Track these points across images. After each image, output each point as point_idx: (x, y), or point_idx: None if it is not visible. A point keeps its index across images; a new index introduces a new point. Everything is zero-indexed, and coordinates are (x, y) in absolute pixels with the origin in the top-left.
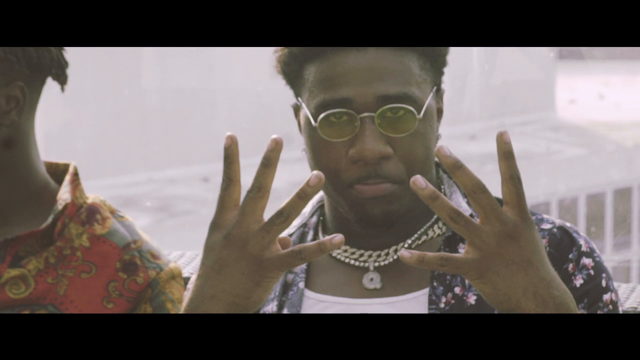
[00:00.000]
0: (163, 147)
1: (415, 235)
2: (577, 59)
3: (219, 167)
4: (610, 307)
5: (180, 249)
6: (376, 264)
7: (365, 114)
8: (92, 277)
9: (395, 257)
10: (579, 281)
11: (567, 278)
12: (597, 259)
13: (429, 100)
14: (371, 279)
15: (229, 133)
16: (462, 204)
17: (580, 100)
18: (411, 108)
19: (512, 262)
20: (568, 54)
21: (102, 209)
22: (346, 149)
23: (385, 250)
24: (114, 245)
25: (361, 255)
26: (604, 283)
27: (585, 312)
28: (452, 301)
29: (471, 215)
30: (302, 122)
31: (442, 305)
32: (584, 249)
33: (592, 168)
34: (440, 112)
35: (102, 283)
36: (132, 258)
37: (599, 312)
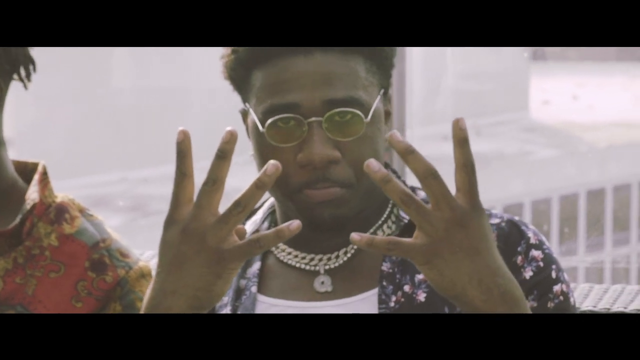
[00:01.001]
0: (136, 146)
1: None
2: (551, 60)
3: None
4: (561, 298)
5: (153, 248)
6: (326, 267)
7: (313, 119)
8: (61, 276)
9: (344, 259)
10: (528, 273)
11: (516, 271)
12: (547, 250)
13: (376, 103)
14: (322, 282)
15: (181, 128)
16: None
17: (553, 101)
18: (358, 112)
19: (459, 250)
20: (542, 54)
21: (71, 208)
22: (294, 153)
23: (335, 253)
24: (82, 244)
25: (312, 259)
26: (554, 274)
27: (535, 304)
28: (402, 299)
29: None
30: (249, 127)
31: (392, 304)
32: (532, 241)
33: (565, 169)
34: (388, 114)
35: (71, 282)
36: (101, 257)
37: (549, 303)
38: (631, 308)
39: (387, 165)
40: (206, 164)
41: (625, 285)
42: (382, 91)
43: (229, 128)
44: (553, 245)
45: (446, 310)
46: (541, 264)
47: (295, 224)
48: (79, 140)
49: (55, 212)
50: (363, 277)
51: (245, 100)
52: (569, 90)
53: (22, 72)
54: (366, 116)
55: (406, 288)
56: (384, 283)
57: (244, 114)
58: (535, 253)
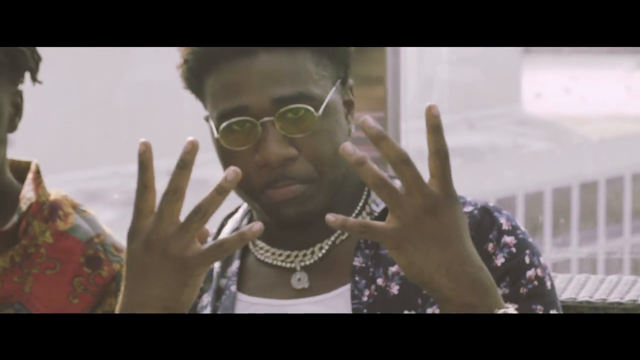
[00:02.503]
0: (129, 141)
1: (338, 231)
2: (543, 53)
3: None
4: (536, 282)
5: None
6: (302, 264)
7: (265, 119)
8: (57, 273)
9: (320, 255)
10: (500, 260)
11: (488, 258)
12: (521, 235)
13: (331, 95)
14: (299, 279)
15: (142, 140)
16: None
17: (546, 94)
18: (308, 107)
19: (429, 237)
20: (534, 48)
21: (64, 205)
22: (252, 155)
23: (311, 249)
24: (77, 241)
25: (288, 256)
26: (527, 259)
27: (507, 291)
28: (375, 293)
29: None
30: (210, 134)
31: (365, 299)
32: (505, 227)
33: (558, 162)
34: (349, 104)
35: (67, 278)
36: (96, 252)
37: (521, 289)
38: (627, 298)
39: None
40: (197, 157)
41: (621, 276)
42: (338, 82)
43: (190, 138)
44: (546, 238)
45: (419, 302)
46: (513, 249)
47: (257, 225)
48: (71, 134)
49: (49, 210)
50: (338, 273)
51: (204, 107)
52: (561, 84)
53: (32, 75)
54: (317, 110)
55: (379, 281)
56: (357, 278)
57: (207, 120)
58: (508, 239)
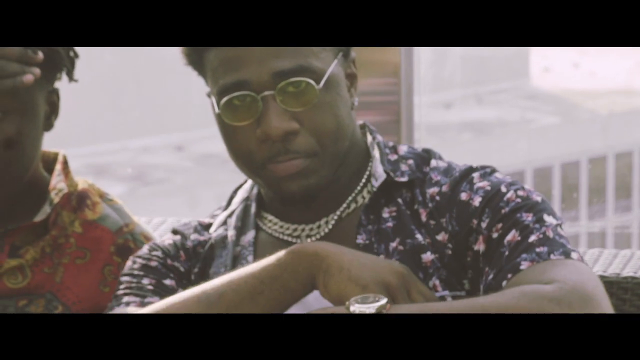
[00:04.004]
0: (137, 115)
1: (344, 205)
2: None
3: (193, 135)
4: (519, 200)
5: (154, 216)
6: (309, 239)
7: (266, 93)
8: (87, 262)
9: (326, 230)
10: (477, 200)
11: (465, 205)
12: (495, 180)
13: (332, 68)
14: None
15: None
16: (377, 169)
17: (554, 68)
18: (309, 80)
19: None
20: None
21: (92, 194)
22: (254, 130)
23: (317, 223)
24: (106, 230)
25: (294, 230)
26: (503, 188)
27: (489, 219)
28: None
29: (387, 179)
30: (212, 110)
31: None
32: (476, 180)
33: (567, 136)
34: (352, 77)
35: (98, 267)
36: (126, 242)
37: (503, 210)
38: None
39: (364, 126)
40: (204, 132)
41: (634, 251)
42: (340, 54)
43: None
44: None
45: (420, 276)
46: (488, 188)
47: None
48: (80, 109)
49: (77, 200)
50: (345, 244)
51: (206, 83)
52: (569, 58)
53: (66, 71)
54: (318, 83)
55: (381, 258)
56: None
57: (209, 96)
58: (481, 184)
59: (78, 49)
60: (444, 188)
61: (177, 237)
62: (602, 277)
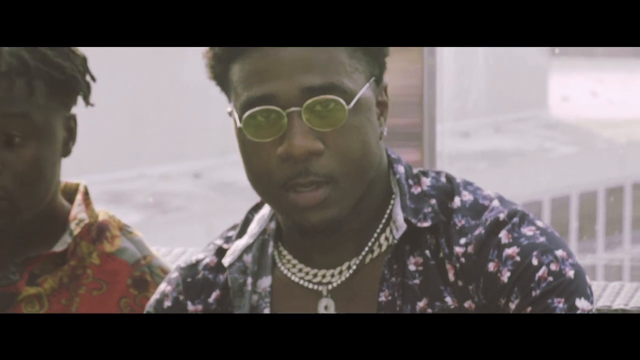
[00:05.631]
0: (155, 143)
1: (367, 248)
2: (570, 56)
3: (210, 163)
4: (550, 278)
5: (171, 245)
6: (330, 286)
7: (292, 109)
8: (103, 294)
9: (347, 275)
10: (505, 275)
11: (494, 278)
12: (524, 242)
13: (364, 91)
14: (325, 307)
15: None
16: (397, 216)
17: (573, 97)
18: (339, 99)
19: None
20: (561, 51)
21: (112, 226)
22: (276, 148)
23: (338, 269)
24: (124, 263)
25: (315, 275)
26: (535, 261)
27: (519, 301)
28: None
29: (409, 226)
30: (234, 127)
31: None
32: (504, 241)
33: (584, 166)
34: (383, 105)
35: (114, 299)
36: (143, 274)
37: (534, 292)
38: None
39: (388, 157)
40: (224, 160)
41: None
42: (372, 79)
43: None
44: (571, 242)
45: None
46: (518, 258)
47: None
48: (97, 136)
49: (97, 231)
50: (366, 300)
51: (228, 99)
52: (588, 87)
53: (86, 100)
54: (348, 103)
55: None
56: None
57: (231, 114)
58: (509, 251)
59: (96, 75)
60: (470, 249)
61: (169, 288)
62: (624, 311)
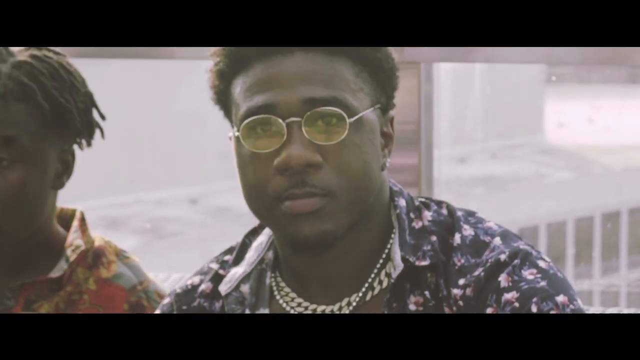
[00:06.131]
0: (151, 168)
1: (367, 284)
2: (566, 82)
3: (207, 188)
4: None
5: (167, 271)
6: None
7: (291, 119)
8: None
9: (347, 312)
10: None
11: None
12: (525, 287)
13: (368, 112)
14: None
15: None
16: (395, 255)
17: (569, 123)
18: (341, 112)
19: None
20: (557, 77)
21: (108, 252)
22: (273, 159)
23: (338, 305)
24: (120, 288)
25: (314, 310)
26: (534, 308)
27: None
28: None
29: (407, 265)
30: (233, 144)
31: None
32: (503, 284)
33: (580, 192)
34: (387, 137)
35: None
36: (139, 300)
37: None
38: None
39: (395, 192)
40: (220, 185)
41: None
42: (377, 106)
43: None
44: (568, 268)
45: None
46: (517, 304)
47: None
48: (93, 161)
49: (93, 257)
50: None
51: (230, 122)
52: (584, 113)
53: (85, 138)
54: (350, 117)
55: None
56: None
57: (231, 139)
58: (508, 296)
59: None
60: (468, 291)
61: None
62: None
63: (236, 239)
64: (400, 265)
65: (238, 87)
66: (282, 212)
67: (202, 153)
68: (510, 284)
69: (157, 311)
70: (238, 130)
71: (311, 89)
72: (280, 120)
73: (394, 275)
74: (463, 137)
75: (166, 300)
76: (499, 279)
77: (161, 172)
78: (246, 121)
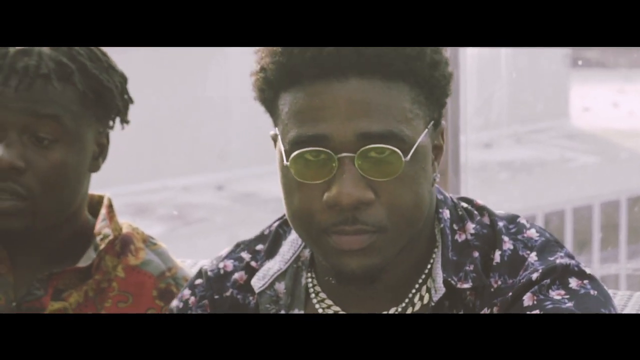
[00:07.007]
0: (177, 154)
1: (406, 300)
2: (591, 67)
3: (233, 174)
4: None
5: (194, 257)
6: None
7: (344, 154)
8: (129, 306)
9: None
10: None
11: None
12: (549, 306)
13: (422, 138)
14: None
15: None
16: (437, 276)
17: (594, 108)
18: (397, 150)
19: None
20: (582, 62)
21: (135, 239)
22: (322, 191)
23: None
24: (149, 275)
25: None
26: None
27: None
28: None
29: (449, 288)
30: (277, 156)
31: None
32: (527, 303)
33: (606, 176)
34: (438, 149)
35: (140, 311)
36: (168, 286)
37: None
38: None
39: (439, 202)
40: (244, 172)
41: None
42: (431, 124)
43: None
44: (594, 253)
45: None
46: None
47: None
48: (119, 148)
49: (121, 244)
50: None
51: (275, 124)
52: (609, 97)
53: (123, 117)
54: (406, 155)
55: None
56: None
57: (275, 139)
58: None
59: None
60: (495, 310)
61: (193, 300)
62: None
63: (262, 223)
64: (442, 289)
65: (287, 106)
66: (330, 245)
67: (227, 139)
68: (535, 302)
69: (188, 290)
70: (287, 157)
71: (367, 122)
72: (332, 154)
73: (435, 298)
74: (489, 122)
75: (198, 281)
76: (524, 297)
77: (187, 159)
78: (296, 152)
